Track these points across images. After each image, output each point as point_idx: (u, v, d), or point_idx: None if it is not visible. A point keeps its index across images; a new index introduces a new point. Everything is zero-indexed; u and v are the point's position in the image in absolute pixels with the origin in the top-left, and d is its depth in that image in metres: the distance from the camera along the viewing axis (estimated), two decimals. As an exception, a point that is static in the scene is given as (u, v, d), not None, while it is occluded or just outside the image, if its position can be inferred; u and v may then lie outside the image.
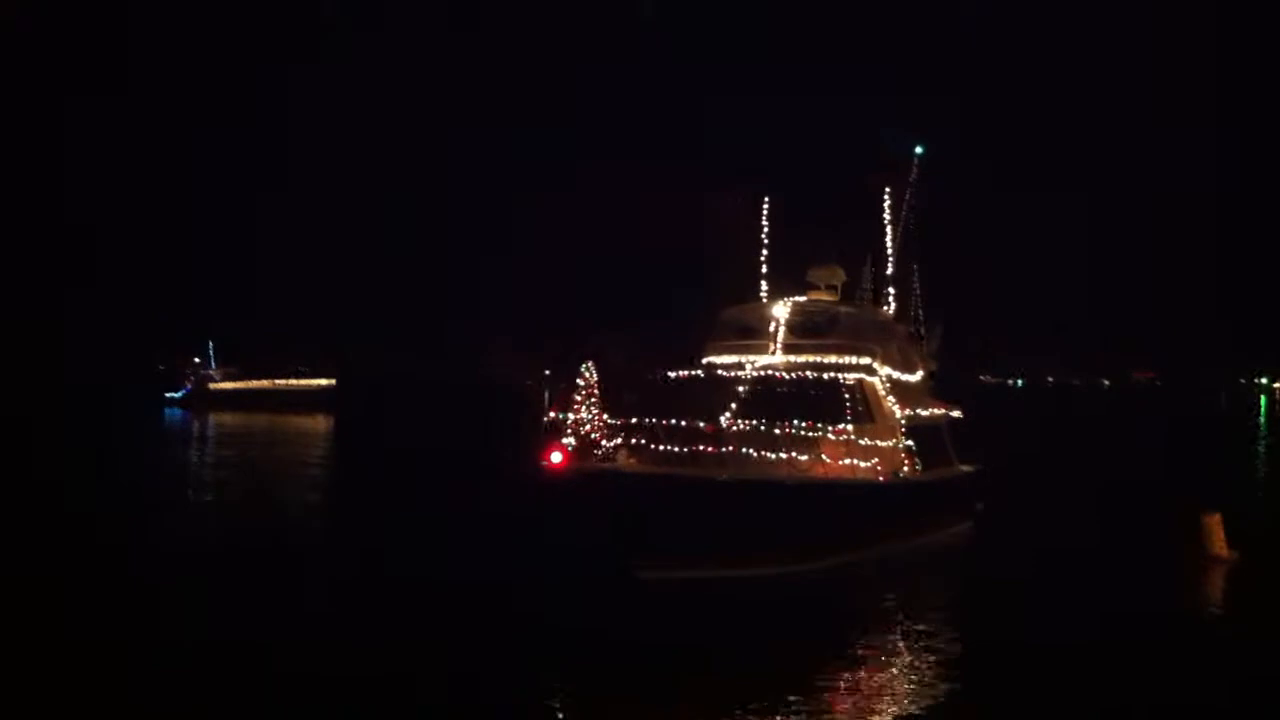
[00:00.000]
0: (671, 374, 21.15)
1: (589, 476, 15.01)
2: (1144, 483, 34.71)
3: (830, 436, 18.65)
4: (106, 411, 72.90)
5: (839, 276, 24.40)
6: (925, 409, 23.67)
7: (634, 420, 15.93)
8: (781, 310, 22.13)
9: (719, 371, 21.10)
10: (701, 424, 16.45)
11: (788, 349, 21.80)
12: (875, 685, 12.68)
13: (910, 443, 21.33)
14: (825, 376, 20.45)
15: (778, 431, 17.46)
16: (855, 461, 19.05)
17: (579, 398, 15.14)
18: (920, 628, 15.24)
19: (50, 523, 22.54)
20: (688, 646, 13.70)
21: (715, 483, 16.05)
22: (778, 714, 11.45)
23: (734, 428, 16.87)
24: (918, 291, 73.09)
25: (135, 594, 16.02)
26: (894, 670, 13.39)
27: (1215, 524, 20.61)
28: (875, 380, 21.40)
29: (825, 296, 24.03)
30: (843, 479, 18.30)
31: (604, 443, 15.20)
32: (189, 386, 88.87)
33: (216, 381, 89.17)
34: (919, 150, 73.53)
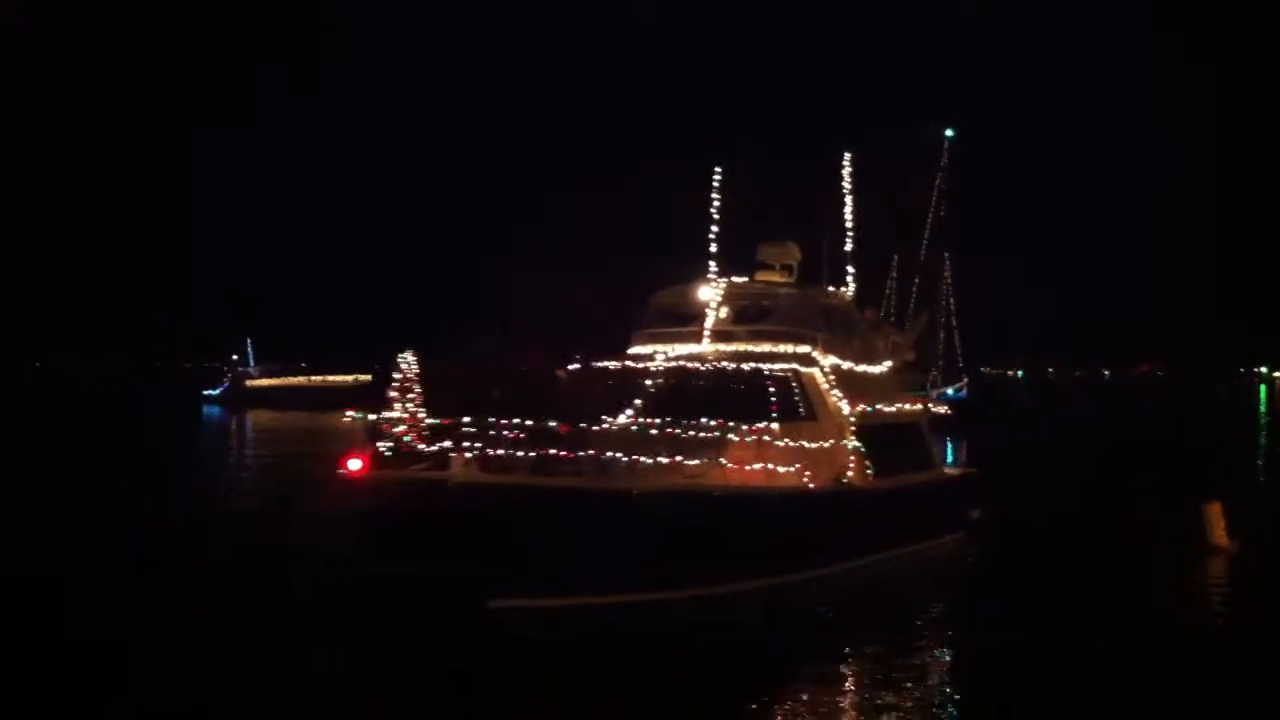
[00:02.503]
0: (571, 368, 18.63)
1: (404, 486, 12.58)
2: (1146, 472, 35.32)
3: (735, 438, 15.98)
4: (143, 410, 73.30)
5: (793, 255, 21.58)
6: (892, 405, 20.77)
7: (467, 420, 13.38)
8: (713, 293, 19.42)
9: (632, 364, 18.46)
10: (553, 424, 13.89)
11: (717, 336, 19.09)
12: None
13: (860, 444, 18.50)
14: (747, 368, 17.70)
15: (655, 432, 14.86)
16: (776, 467, 16.32)
17: (395, 393, 12.71)
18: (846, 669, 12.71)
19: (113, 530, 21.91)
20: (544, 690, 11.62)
21: (570, 493, 13.55)
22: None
23: (597, 429, 14.21)
24: (948, 280, 69.73)
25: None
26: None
27: (1216, 513, 20.60)
28: (814, 372, 18.58)
29: (777, 277, 21.27)
30: (745, 488, 15.57)
31: (422, 446, 12.73)
32: (226, 384, 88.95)
33: (254, 379, 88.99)
34: (949, 134, 69.69)
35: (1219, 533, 20.23)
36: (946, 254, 63.75)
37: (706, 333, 19.08)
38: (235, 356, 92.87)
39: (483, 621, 13.45)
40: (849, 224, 21.54)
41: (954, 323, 67.01)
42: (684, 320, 19.69)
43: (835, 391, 18.73)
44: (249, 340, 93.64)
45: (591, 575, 13.79)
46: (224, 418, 69.52)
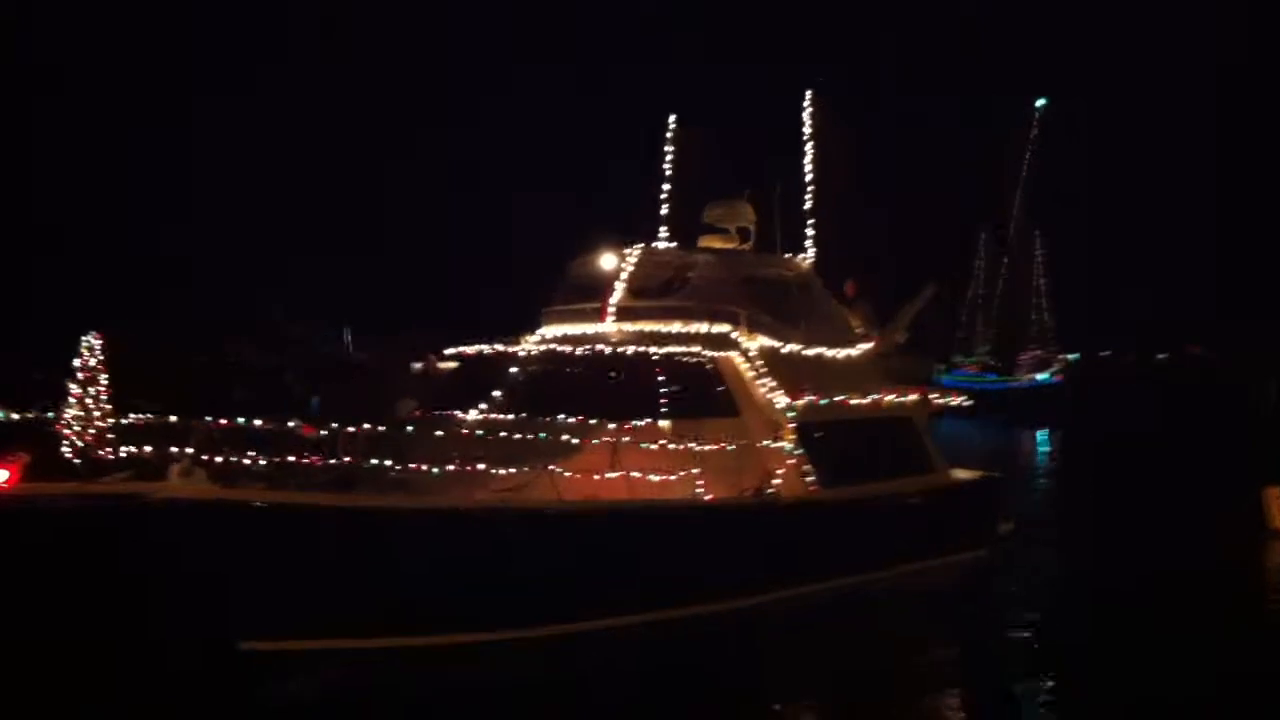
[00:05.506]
0: (448, 357, 15.51)
1: (81, 502, 9.71)
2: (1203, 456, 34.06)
3: (599, 440, 12.67)
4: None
5: (746, 217, 17.97)
6: (865, 396, 17.02)
7: (174, 419, 10.40)
8: (617, 262, 16.06)
9: (503, 350, 15.20)
10: (294, 424, 10.81)
11: (622, 314, 15.73)
12: None
13: (797, 445, 14.94)
14: (633, 352, 14.28)
15: (440, 432, 11.66)
16: (649, 476, 12.92)
17: (76, 388, 9.86)
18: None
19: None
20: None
21: (307, 512, 10.53)
22: None
23: (354, 430, 11.04)
24: (1040, 258, 64.08)
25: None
26: None
27: (1276, 497, 20.39)
28: (732, 356, 15.05)
29: (723, 243, 17.75)
30: (563, 504, 12.14)
31: (102, 451, 9.83)
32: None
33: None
34: (1040, 103, 64.19)
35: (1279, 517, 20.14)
36: (1038, 231, 58.45)
37: (611, 310, 15.76)
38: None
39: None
40: (808, 175, 17.84)
41: (1044, 304, 61.27)
42: (595, 295, 16.39)
43: (765, 380, 15.18)
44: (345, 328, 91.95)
45: (347, 612, 10.80)
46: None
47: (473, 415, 13.56)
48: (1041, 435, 48.97)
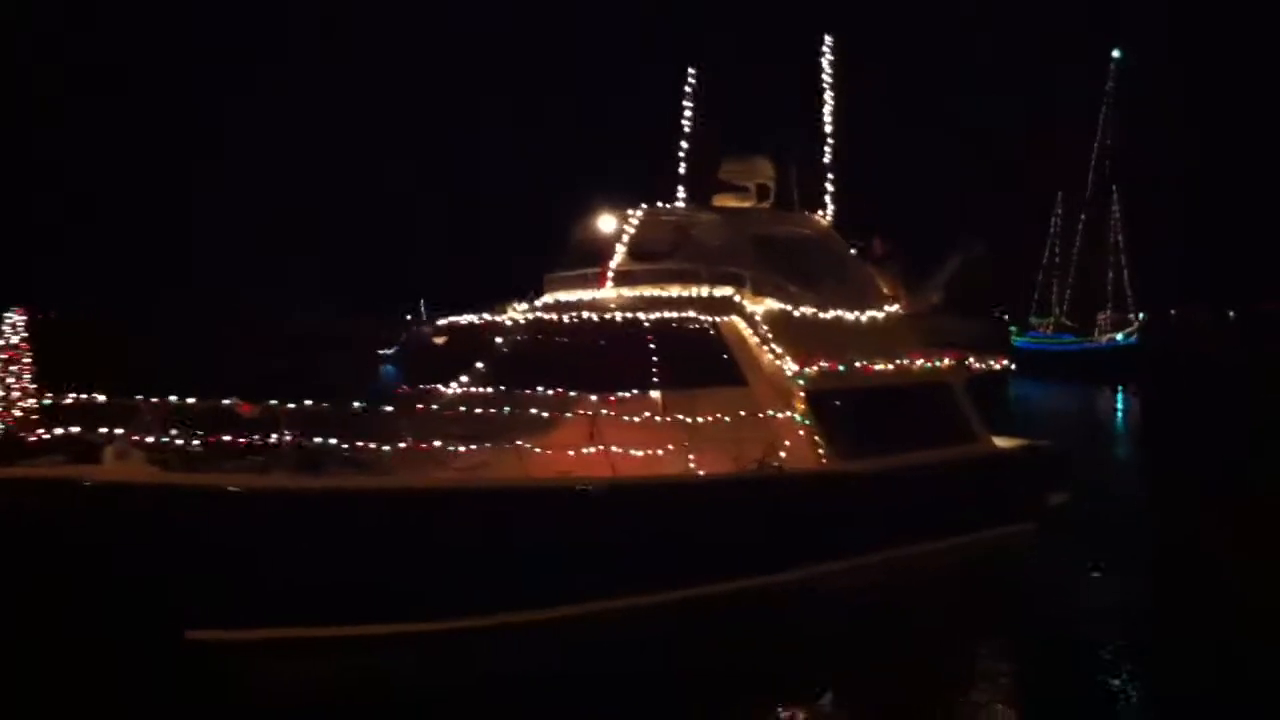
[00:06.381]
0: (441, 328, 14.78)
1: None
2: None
3: (581, 412, 11.81)
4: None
5: (763, 173, 16.80)
6: (892, 361, 15.86)
7: (90, 397, 9.78)
8: (621, 224, 15.13)
9: (492, 320, 14.38)
10: (229, 401, 10.13)
11: (621, 279, 14.82)
12: None
13: (808, 415, 13.93)
14: (623, 319, 13.33)
15: (390, 409, 10.90)
16: (635, 451, 12.03)
17: (-1, 365, 9.32)
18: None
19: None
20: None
21: (268, 495, 9.89)
22: None
23: (296, 408, 10.31)
24: (1116, 216, 61.25)
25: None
26: None
27: None
28: (735, 320, 14.03)
29: (738, 201, 16.68)
30: (549, 481, 11.28)
31: (24, 433, 9.28)
32: (402, 343, 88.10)
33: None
34: (1116, 55, 61.21)
35: None
36: (1115, 187, 55.65)
37: (610, 274, 14.86)
38: (409, 316, 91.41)
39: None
40: (828, 127, 16.64)
41: (1123, 262, 58.42)
42: (596, 260, 15.52)
43: (773, 346, 14.15)
44: (421, 301, 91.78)
45: (296, 600, 10.18)
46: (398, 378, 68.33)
47: (453, 389, 12.83)
48: (1120, 397, 46.97)
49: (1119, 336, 57.35)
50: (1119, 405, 45.44)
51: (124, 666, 10.15)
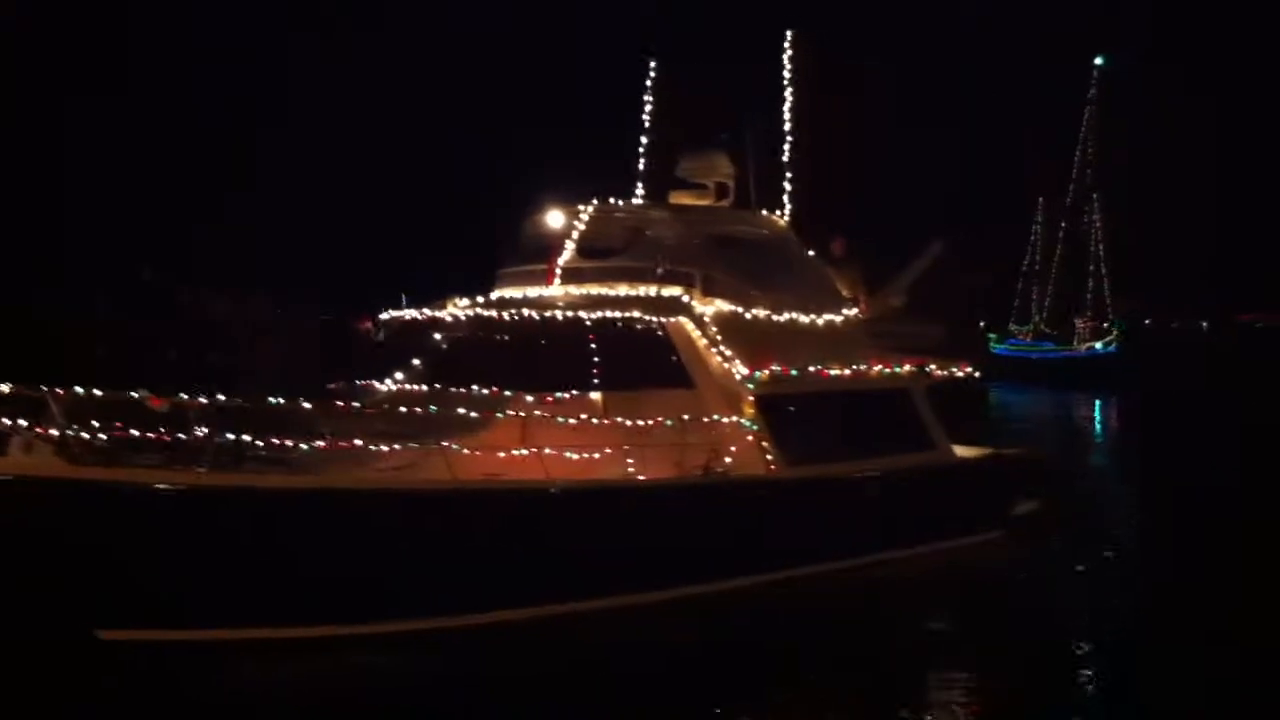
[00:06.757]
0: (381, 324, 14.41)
1: None
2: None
3: (513, 413, 11.46)
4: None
5: (722, 170, 16.49)
6: (848, 366, 15.53)
7: (5, 388, 9.40)
8: (571, 220, 14.77)
9: (434, 315, 14.01)
10: (137, 394, 9.75)
11: (569, 276, 14.47)
12: None
13: (757, 420, 13.59)
14: (562, 318, 12.99)
15: (308, 405, 10.51)
16: (570, 453, 11.67)
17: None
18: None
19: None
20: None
21: (183, 492, 9.52)
22: None
23: (209, 404, 9.93)
24: (1097, 224, 61.25)
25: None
26: None
27: None
28: (683, 321, 13.68)
29: (695, 199, 16.36)
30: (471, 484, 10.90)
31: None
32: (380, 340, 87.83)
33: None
34: (1099, 61, 61.15)
35: None
36: (1095, 195, 55.52)
37: (558, 271, 14.51)
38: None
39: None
40: (787, 124, 16.32)
41: (1103, 270, 58.29)
42: (547, 255, 15.16)
43: (722, 348, 13.82)
44: (402, 296, 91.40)
45: (210, 600, 9.82)
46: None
47: (388, 386, 12.47)
48: (1098, 405, 46.85)
49: (1098, 345, 57.29)
50: (1098, 414, 45.37)
51: (34, 667, 9.78)
